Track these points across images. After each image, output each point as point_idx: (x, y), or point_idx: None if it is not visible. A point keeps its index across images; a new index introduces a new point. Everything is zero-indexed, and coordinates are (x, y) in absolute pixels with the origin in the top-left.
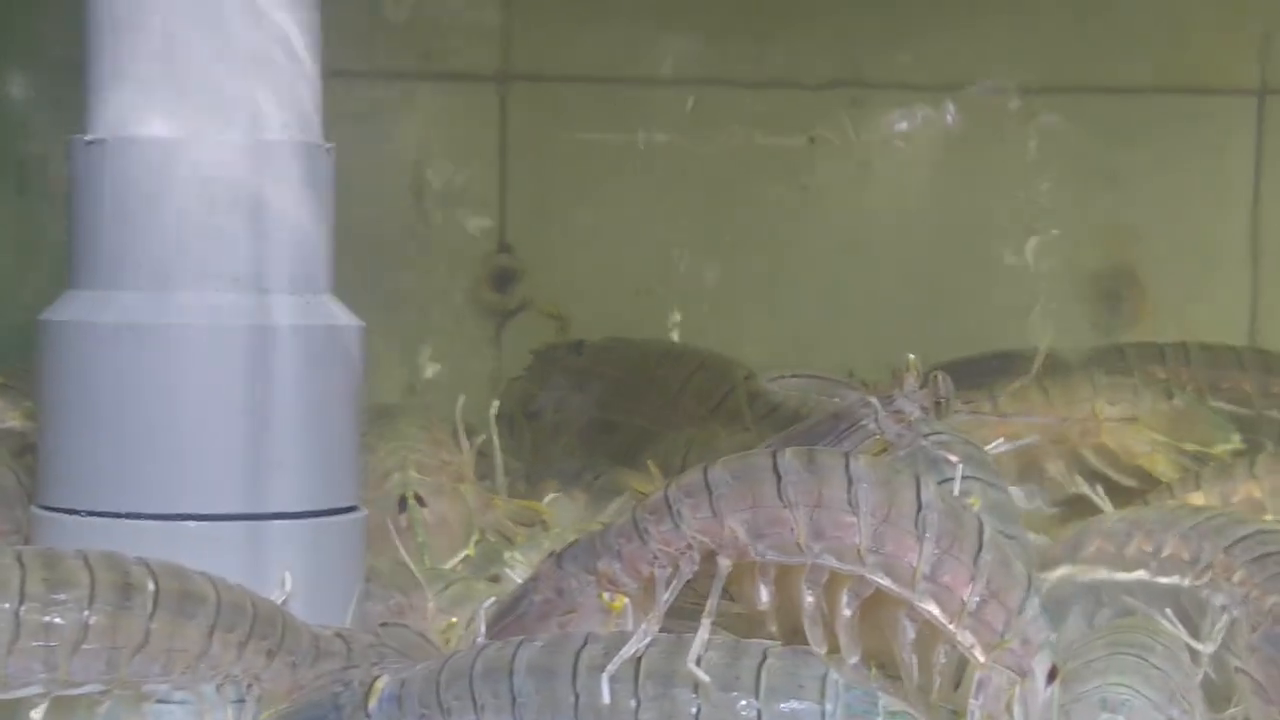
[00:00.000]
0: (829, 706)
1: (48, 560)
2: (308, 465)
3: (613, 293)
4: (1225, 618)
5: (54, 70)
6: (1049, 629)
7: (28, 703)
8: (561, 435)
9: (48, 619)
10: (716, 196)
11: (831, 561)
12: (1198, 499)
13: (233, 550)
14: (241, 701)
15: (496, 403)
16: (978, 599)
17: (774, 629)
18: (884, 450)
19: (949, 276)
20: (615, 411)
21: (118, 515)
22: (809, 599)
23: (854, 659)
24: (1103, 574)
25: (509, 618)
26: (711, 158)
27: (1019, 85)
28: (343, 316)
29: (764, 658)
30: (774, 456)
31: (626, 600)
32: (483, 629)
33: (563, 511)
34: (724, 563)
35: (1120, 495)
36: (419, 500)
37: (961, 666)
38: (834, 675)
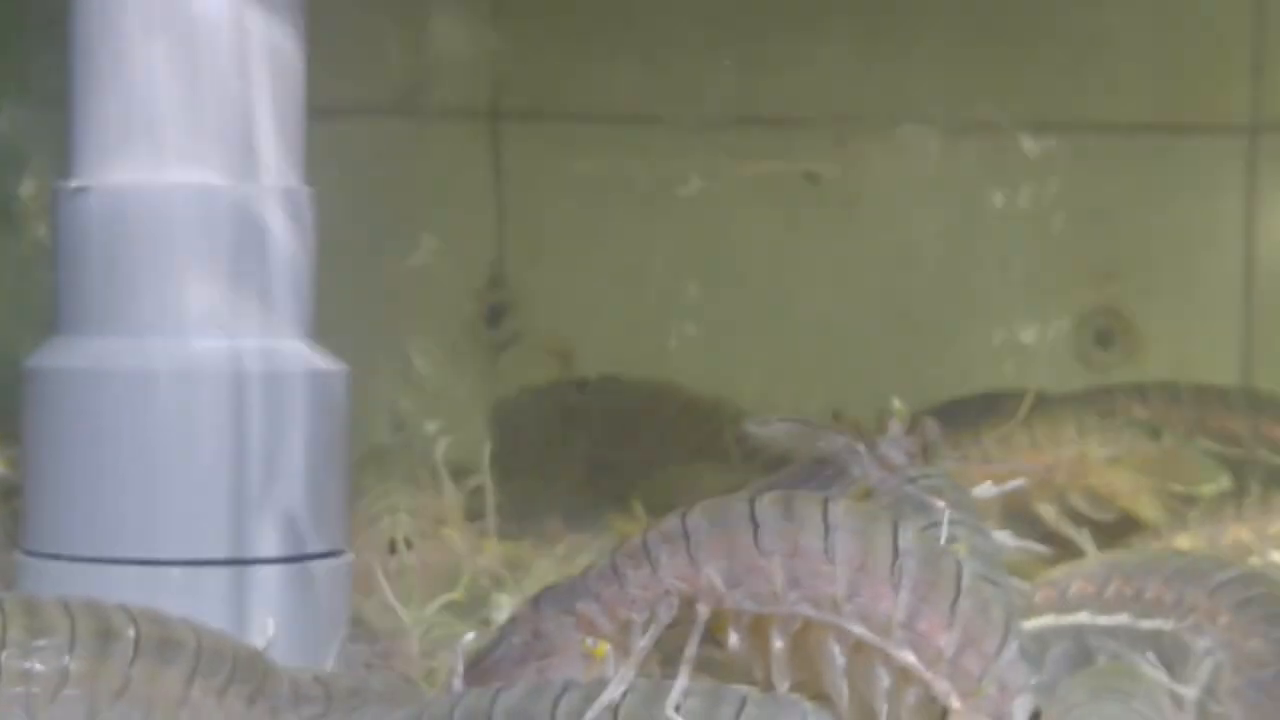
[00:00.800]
0: None
1: (28, 607)
2: (292, 510)
3: (605, 328)
4: (1209, 662)
5: (47, 110)
6: (1028, 674)
7: None
8: (557, 475)
9: (27, 665)
10: (708, 232)
11: (808, 610)
12: (1185, 541)
13: (217, 596)
14: None
15: (488, 446)
16: (955, 646)
17: (756, 675)
18: (868, 496)
19: (938, 314)
20: (609, 450)
21: (101, 560)
22: (777, 645)
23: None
24: (1085, 618)
25: (486, 660)
26: (703, 194)
27: (1010, 123)
28: (326, 362)
29: (743, 704)
30: (751, 503)
31: (608, 647)
32: (460, 670)
33: (549, 561)
34: (702, 610)
35: (1106, 538)
36: (407, 544)
37: (942, 714)
38: None
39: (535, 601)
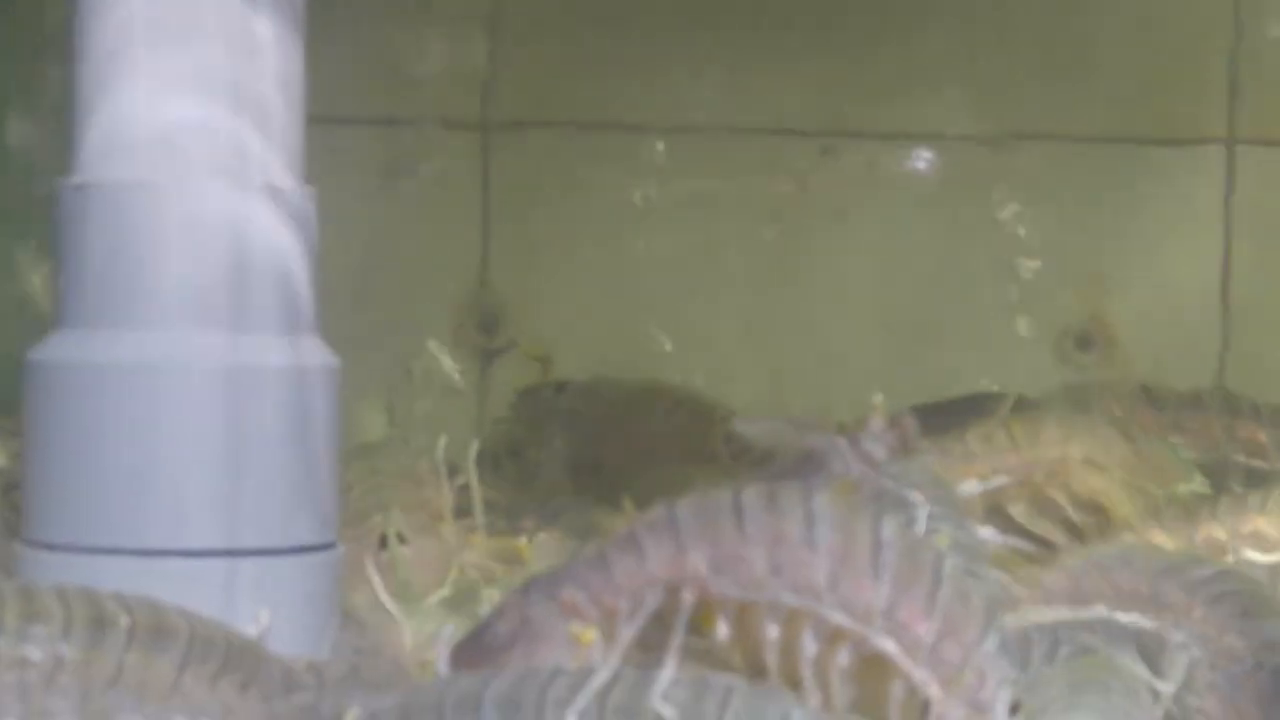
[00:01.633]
0: None
1: (23, 594)
2: (285, 503)
3: (595, 333)
4: (1185, 657)
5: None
6: (1008, 665)
7: None
8: (544, 474)
9: (22, 652)
10: (697, 240)
11: (790, 598)
12: (1160, 539)
13: (210, 586)
14: None
15: (475, 442)
16: (934, 635)
17: (739, 665)
18: (851, 490)
19: (924, 321)
20: (598, 451)
21: (97, 550)
22: (771, 635)
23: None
24: (1064, 612)
25: (474, 647)
26: (692, 202)
27: (994, 135)
28: (322, 357)
29: (729, 694)
30: (736, 494)
31: (595, 632)
32: (445, 656)
33: (542, 551)
34: (687, 598)
35: (1084, 536)
36: (400, 538)
37: (923, 704)
38: (799, 713)
39: (523, 589)
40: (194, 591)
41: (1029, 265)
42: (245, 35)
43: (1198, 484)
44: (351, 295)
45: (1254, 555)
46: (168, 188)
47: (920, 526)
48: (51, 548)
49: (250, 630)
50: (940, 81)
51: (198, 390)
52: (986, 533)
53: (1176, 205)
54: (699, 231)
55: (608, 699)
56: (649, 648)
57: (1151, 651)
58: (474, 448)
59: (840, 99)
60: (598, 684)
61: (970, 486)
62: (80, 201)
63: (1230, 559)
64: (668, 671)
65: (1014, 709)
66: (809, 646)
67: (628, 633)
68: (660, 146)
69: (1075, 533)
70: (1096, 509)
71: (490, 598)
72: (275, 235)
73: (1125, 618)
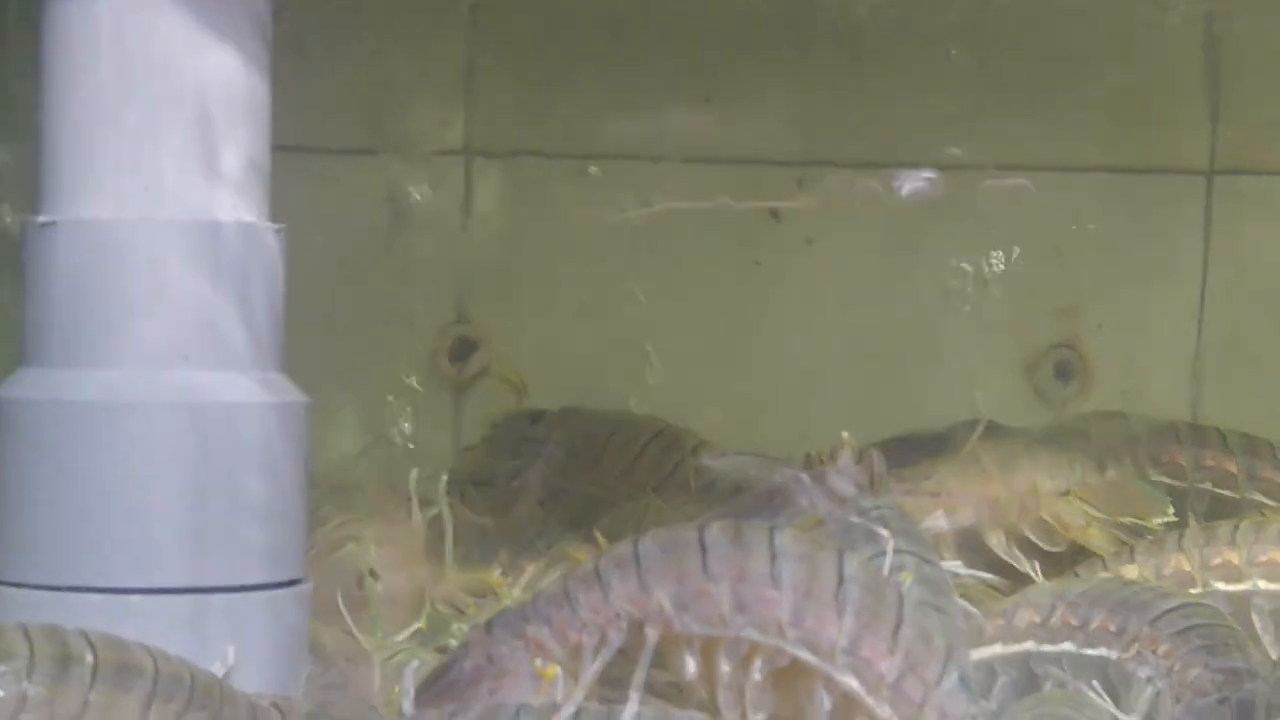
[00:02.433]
0: None
1: None
2: (252, 539)
3: (571, 363)
4: (1150, 690)
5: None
6: (969, 701)
7: None
8: (518, 505)
9: None
10: (672, 270)
11: (754, 634)
12: (1131, 572)
13: (177, 623)
14: None
15: (445, 476)
16: (896, 672)
17: (704, 700)
18: (817, 526)
19: (898, 351)
20: (572, 481)
21: (63, 588)
22: (724, 669)
23: None
24: (1031, 646)
25: (440, 683)
26: (669, 232)
27: (968, 164)
28: (288, 393)
29: None
30: (701, 530)
31: (558, 668)
32: (410, 693)
33: (515, 584)
34: (651, 634)
35: (1056, 568)
36: (372, 574)
37: None
38: None
39: (488, 625)
40: (161, 629)
41: (1004, 296)
42: (210, 70)
43: (1169, 514)
44: (328, 325)
45: (1222, 586)
46: (133, 226)
47: (886, 562)
48: (18, 585)
49: (216, 668)
50: (914, 111)
51: (164, 428)
52: (954, 566)
53: (1154, 236)
54: (675, 261)
55: None
56: (613, 683)
57: (1118, 685)
58: (443, 481)
59: (814, 129)
60: (563, 718)
61: (938, 520)
62: (47, 239)
63: (1198, 591)
64: (632, 707)
65: None
66: (759, 680)
67: (592, 669)
68: (637, 176)
69: (1048, 565)
70: (1069, 542)
71: (461, 632)
72: (242, 272)
73: (1092, 652)
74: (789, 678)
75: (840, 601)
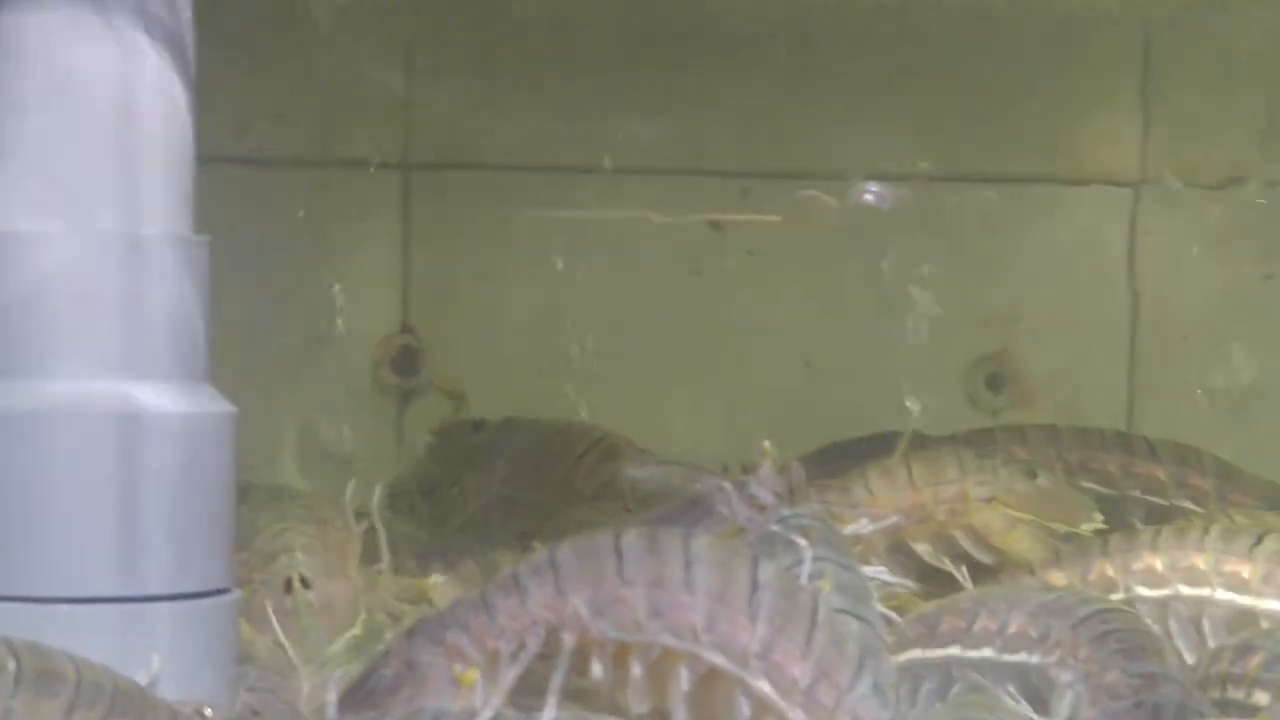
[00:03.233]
0: None
1: None
2: (180, 549)
3: (515, 374)
4: (1070, 694)
5: None
6: (883, 707)
7: None
8: (458, 514)
9: None
10: (615, 280)
11: (669, 640)
12: (1058, 578)
13: (105, 632)
14: None
15: (380, 486)
16: (809, 678)
17: (621, 705)
18: (737, 534)
19: (837, 360)
20: (512, 490)
21: None
22: (635, 672)
23: None
24: (954, 651)
25: (360, 691)
26: (610, 242)
27: (905, 175)
28: (214, 403)
29: None
30: (617, 536)
31: (477, 673)
32: (333, 701)
33: (449, 591)
34: (567, 639)
35: (985, 574)
36: (304, 583)
37: None
38: None
39: (408, 633)
40: (88, 638)
41: (940, 305)
42: (134, 83)
43: (1098, 520)
44: (269, 336)
45: (1144, 591)
46: (58, 236)
47: (805, 570)
48: None
49: (141, 676)
50: (853, 124)
51: (90, 438)
52: (878, 573)
53: (1085, 246)
54: (619, 272)
55: None
56: (532, 690)
57: (1041, 690)
58: (379, 491)
59: (760, 140)
60: None
61: (862, 525)
62: None
63: (1121, 596)
64: (549, 713)
65: None
66: (681, 686)
67: (510, 675)
68: (580, 188)
69: (978, 571)
70: (996, 547)
71: None
72: (168, 282)
73: (1013, 657)
74: (708, 684)
75: (754, 607)
